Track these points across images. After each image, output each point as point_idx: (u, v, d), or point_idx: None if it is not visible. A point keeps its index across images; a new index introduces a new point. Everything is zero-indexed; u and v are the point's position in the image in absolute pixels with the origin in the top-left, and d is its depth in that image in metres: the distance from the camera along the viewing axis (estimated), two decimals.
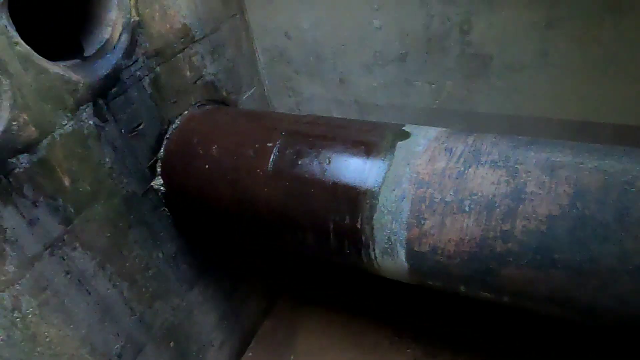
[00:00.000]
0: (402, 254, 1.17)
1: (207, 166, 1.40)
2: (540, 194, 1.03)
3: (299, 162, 1.28)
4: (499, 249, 1.05)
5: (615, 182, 0.99)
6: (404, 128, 1.28)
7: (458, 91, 1.59)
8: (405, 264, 1.18)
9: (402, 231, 1.15)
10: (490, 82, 1.55)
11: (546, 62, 1.44)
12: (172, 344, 1.65)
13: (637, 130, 1.43)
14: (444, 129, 1.25)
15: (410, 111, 1.69)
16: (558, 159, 1.07)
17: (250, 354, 2.08)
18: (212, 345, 1.86)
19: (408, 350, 1.93)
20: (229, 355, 1.97)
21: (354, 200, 1.20)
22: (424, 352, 1.90)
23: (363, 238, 1.20)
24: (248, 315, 2.07)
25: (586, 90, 1.44)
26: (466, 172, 1.11)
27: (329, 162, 1.26)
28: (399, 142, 1.23)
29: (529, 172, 1.06)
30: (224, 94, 1.73)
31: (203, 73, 1.66)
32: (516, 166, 1.07)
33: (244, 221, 1.39)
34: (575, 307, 1.04)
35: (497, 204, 1.05)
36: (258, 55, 1.93)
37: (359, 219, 1.19)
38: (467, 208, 1.07)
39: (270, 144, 1.34)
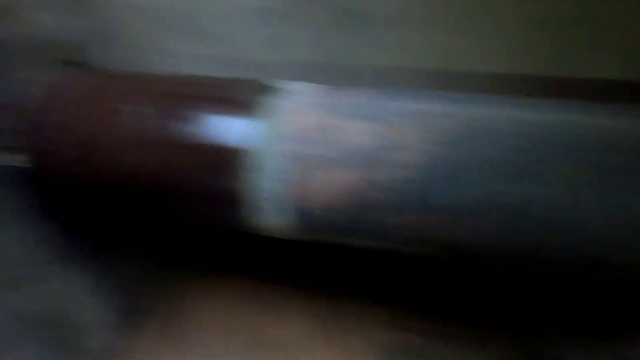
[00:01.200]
0: (287, 213, 1.16)
1: (60, 137, 1.24)
2: (412, 142, 1.06)
3: (169, 126, 1.19)
4: (379, 199, 1.08)
5: (478, 127, 1.06)
6: (279, 84, 1.24)
7: (333, 45, 1.58)
8: (292, 223, 1.17)
9: (285, 190, 1.13)
10: (366, 36, 1.56)
11: (414, 15, 1.48)
12: (50, 332, 1.50)
13: (505, 77, 1.55)
14: (319, 84, 1.24)
15: (286, 67, 1.65)
16: (427, 108, 1.11)
17: (143, 328, 1.97)
18: (98, 327, 1.73)
19: (310, 303, 1.96)
20: (117, 334, 1.85)
21: (231, 162, 1.15)
22: (328, 304, 1.95)
23: (244, 200, 1.17)
24: (136, 291, 1.95)
25: (451, 41, 1.52)
26: (343, 125, 1.11)
27: (202, 123, 1.18)
28: (275, 99, 1.19)
29: (402, 122, 1.09)
30: (82, 53, 1.53)
31: (55, 32, 1.45)
32: (389, 117, 1.10)
33: (116, 193, 1.27)
34: (452, 247, 1.12)
35: (374, 156, 1.07)
36: (118, 10, 1.73)
37: (239, 181, 1.15)
38: (347, 161, 1.08)
39: (134, 108, 1.22)
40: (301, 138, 1.12)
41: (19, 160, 1.32)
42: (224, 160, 1.16)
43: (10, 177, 1.33)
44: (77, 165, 1.25)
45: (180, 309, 2.03)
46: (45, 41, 1.45)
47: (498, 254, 1.09)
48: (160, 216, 1.38)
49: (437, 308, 1.91)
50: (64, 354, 1.62)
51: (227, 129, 1.18)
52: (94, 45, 1.62)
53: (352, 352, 1.81)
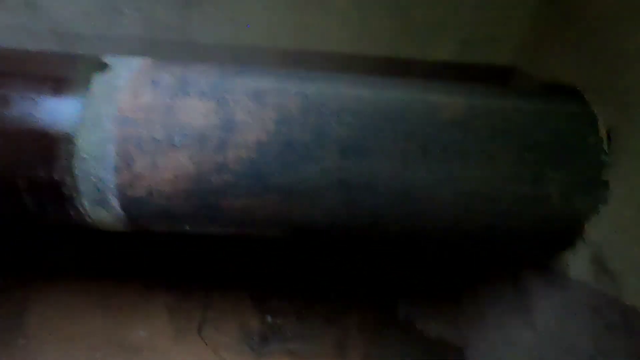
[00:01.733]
0: (115, 203, 1.04)
1: None
2: (248, 121, 1.02)
3: None
4: (215, 182, 1.02)
5: (313, 105, 1.05)
6: (102, 59, 1.10)
7: (172, 20, 1.47)
8: (122, 213, 1.06)
9: (110, 177, 1.01)
10: (206, 11, 1.47)
11: None
12: None
13: (344, 56, 1.57)
14: (149, 59, 1.13)
15: (119, 42, 1.49)
16: (264, 86, 1.07)
17: None
18: None
19: (159, 299, 1.85)
20: None
21: (46, 148, 1.00)
22: (176, 297, 1.86)
23: (65, 191, 1.03)
24: None
25: (299, 20, 1.49)
26: (174, 105, 1.02)
27: (9, 104, 1.01)
28: (96, 76, 1.05)
29: (237, 100, 1.04)
30: None
31: None
32: (225, 95, 1.04)
33: None
34: (291, 226, 1.11)
35: (208, 136, 1.01)
36: None
37: (57, 170, 1.00)
38: (178, 143, 1.00)
39: None
40: (125, 119, 1.01)
41: None
42: (42, 147, 1.00)
43: None
44: None
45: (20, 320, 1.78)
46: None
47: (338, 229, 1.11)
48: None
49: (290, 288, 1.93)
50: None
51: (44, 110, 1.02)
52: None
53: (211, 344, 1.75)
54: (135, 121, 1.01)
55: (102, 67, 1.08)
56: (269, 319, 1.83)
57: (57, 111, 1.01)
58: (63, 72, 1.06)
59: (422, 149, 1.04)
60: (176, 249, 1.89)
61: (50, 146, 1.00)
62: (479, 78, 1.60)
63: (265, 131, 1.02)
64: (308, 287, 1.93)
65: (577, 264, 1.14)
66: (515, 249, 1.35)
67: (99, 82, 1.04)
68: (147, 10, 1.45)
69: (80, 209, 1.06)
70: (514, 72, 1.58)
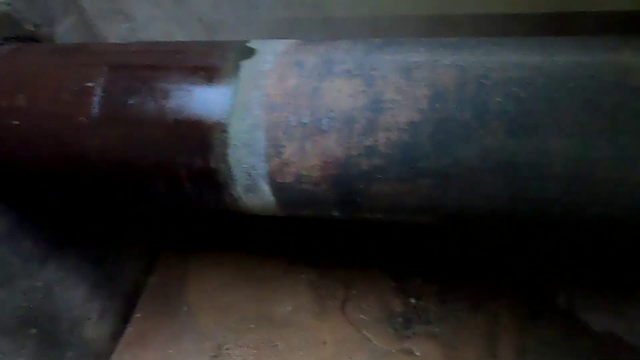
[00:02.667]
0: (266, 189, 1.05)
1: (16, 122, 1.12)
2: (398, 100, 0.94)
3: (130, 101, 1.06)
4: (364, 167, 0.96)
5: (471, 77, 0.93)
6: (248, 44, 1.10)
7: None
8: (272, 199, 1.07)
9: (261, 164, 1.01)
10: None
11: None
12: (33, 330, 1.43)
13: (499, 18, 1.39)
14: (293, 40, 1.10)
15: (261, 25, 1.50)
16: (413, 59, 0.98)
17: (139, 314, 1.91)
18: (89, 319, 1.67)
19: (302, 276, 1.90)
20: (112, 322, 1.79)
21: (201, 137, 1.03)
22: (318, 274, 1.89)
23: (220, 178, 1.06)
24: (127, 277, 1.88)
25: None
26: (320, 86, 0.98)
27: (166, 96, 1.05)
28: (243, 62, 1.05)
29: (385, 77, 0.96)
30: (30, 27, 1.38)
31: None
32: (371, 73, 0.97)
33: (79, 181, 1.16)
34: (445, 212, 1.01)
35: (356, 118, 0.95)
36: None
37: (212, 158, 1.03)
38: (325, 127, 0.96)
39: (92, 84, 1.09)
40: (272, 104, 0.99)
41: None
42: (198, 136, 1.04)
43: None
44: (24, 151, 1.13)
45: (180, 290, 1.97)
46: None
47: (498, 218, 0.99)
48: (135, 202, 1.28)
49: (433, 270, 1.83)
50: (59, 348, 1.57)
51: (198, 100, 1.05)
52: (50, 18, 1.48)
53: (354, 322, 1.74)
54: (283, 106, 0.99)
55: (249, 52, 1.07)
56: (412, 300, 1.77)
57: (210, 100, 1.03)
58: (213, 61, 1.08)
59: (610, 122, 0.86)
60: (319, 227, 1.91)
61: (205, 135, 1.03)
62: None
63: (418, 110, 0.93)
64: (453, 269, 1.83)
65: None
66: None
67: (246, 68, 1.04)
68: None
69: (234, 195, 1.08)
70: None
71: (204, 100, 1.04)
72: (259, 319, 1.81)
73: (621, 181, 0.88)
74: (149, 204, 1.26)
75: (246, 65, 1.05)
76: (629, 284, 1.64)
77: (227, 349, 1.75)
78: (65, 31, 1.50)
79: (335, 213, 1.08)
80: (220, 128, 1.02)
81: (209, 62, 1.08)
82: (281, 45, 1.08)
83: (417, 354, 1.64)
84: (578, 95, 0.88)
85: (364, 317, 1.75)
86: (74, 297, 1.61)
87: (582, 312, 1.66)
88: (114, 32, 1.63)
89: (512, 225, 1.07)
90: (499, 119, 0.90)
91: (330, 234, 1.94)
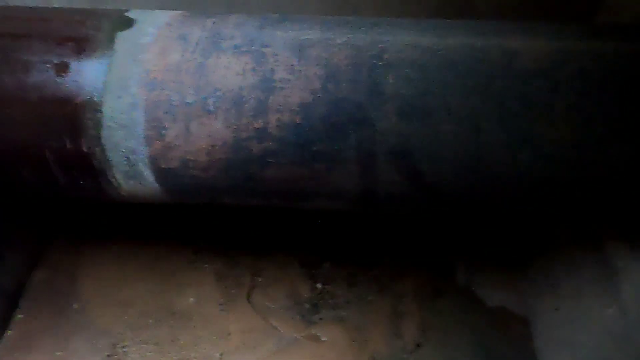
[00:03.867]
0: (149, 175, 0.95)
1: None
2: (290, 79, 0.88)
3: None
4: (255, 151, 0.90)
5: (365, 57, 0.89)
6: (126, 14, 0.99)
7: None
8: (157, 186, 0.98)
9: (141, 147, 0.92)
10: None
11: None
12: None
13: None
14: (178, 12, 1.00)
15: None
16: (307, 37, 0.92)
17: (21, 315, 1.72)
18: None
19: (206, 265, 1.81)
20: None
21: (70, 117, 0.91)
22: (224, 263, 1.81)
23: (95, 164, 0.94)
24: (7, 273, 1.68)
25: None
26: (206, 63, 0.90)
27: (27, 70, 0.92)
28: (120, 33, 0.94)
29: (277, 55, 0.90)
30: None
31: None
32: (262, 50, 0.90)
33: None
34: (342, 199, 0.98)
35: (245, 98, 0.88)
36: None
37: (84, 141, 0.92)
38: (212, 107, 0.88)
39: None
40: (153, 81, 0.89)
41: None
42: (67, 116, 0.92)
43: None
44: None
45: (71, 285, 1.80)
46: None
47: (395, 202, 0.97)
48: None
49: (341, 253, 1.83)
50: None
51: (66, 75, 0.92)
52: None
53: (260, 311, 1.69)
54: (165, 83, 0.90)
55: (127, 23, 0.96)
56: (320, 285, 1.75)
57: (79, 75, 0.91)
58: (85, 31, 0.96)
59: (498, 106, 0.87)
60: (223, 214, 1.83)
61: (75, 114, 0.91)
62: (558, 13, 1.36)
63: (310, 90, 0.88)
64: (359, 252, 1.83)
65: None
66: (603, 218, 1.17)
67: (123, 40, 0.93)
68: None
69: (113, 182, 0.97)
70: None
71: (73, 75, 0.91)
72: (160, 313, 1.70)
73: (510, 163, 0.90)
74: (14, 193, 1.10)
75: (123, 36, 0.94)
76: (518, 259, 1.74)
77: (123, 347, 1.62)
78: None
79: (228, 200, 1.02)
80: (92, 107, 0.90)
81: (80, 31, 0.95)
82: (164, 16, 0.98)
83: (324, 339, 1.63)
84: (469, 79, 0.88)
85: (271, 305, 1.71)
86: None
87: (478, 288, 1.73)
88: None
89: (411, 210, 1.07)
90: (392, 101, 0.87)
91: (236, 220, 1.87)
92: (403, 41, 0.93)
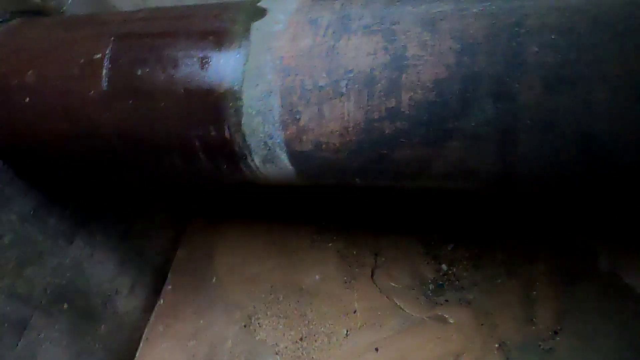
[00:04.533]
0: (284, 158, 1.00)
1: (26, 99, 1.09)
2: (423, 56, 0.86)
3: (138, 72, 1.02)
4: (387, 131, 0.89)
5: (503, 26, 0.83)
6: (258, 4, 1.03)
7: None
8: (291, 168, 1.02)
9: (277, 132, 0.96)
10: None
11: None
12: (65, 306, 1.45)
13: None
14: None
15: None
16: (439, 10, 0.88)
17: (170, 287, 1.94)
18: (120, 292, 1.69)
19: (329, 245, 1.86)
20: (144, 295, 1.82)
21: (214, 106, 0.98)
22: (346, 243, 1.85)
23: (236, 149, 1.01)
24: (155, 250, 1.89)
25: None
26: (337, 45, 0.91)
27: (175, 65, 1.00)
28: (254, 23, 0.98)
29: (408, 31, 0.87)
30: (37, 0, 1.34)
31: None
32: (392, 27, 0.88)
33: (93, 156, 1.13)
34: (481, 177, 0.94)
35: (377, 78, 0.87)
36: None
37: (226, 128, 0.98)
38: (344, 90, 0.89)
39: (99, 55, 1.05)
40: (286, 67, 0.92)
41: None
42: (211, 105, 0.99)
43: None
44: (37, 129, 1.11)
45: (209, 262, 1.98)
46: None
47: (537, 181, 0.91)
48: (152, 176, 1.25)
49: (465, 233, 1.76)
50: (93, 322, 1.60)
51: (208, 67, 0.99)
52: None
53: (384, 290, 1.71)
54: (298, 68, 0.92)
55: (260, 12, 1.00)
56: (444, 266, 1.71)
57: (220, 66, 0.97)
58: (222, 24, 1.02)
59: None
60: (345, 194, 1.86)
61: (218, 104, 0.97)
62: None
63: (444, 65, 0.84)
64: (485, 233, 1.75)
65: None
66: None
67: (257, 30, 0.97)
68: None
69: (252, 166, 1.04)
70: None
71: (215, 67, 0.98)
72: (288, 289, 1.80)
73: None
74: (165, 177, 1.22)
75: (257, 26, 0.98)
76: None
77: (257, 319, 1.75)
78: (73, 3, 1.46)
79: (358, 181, 1.02)
80: (232, 96, 0.96)
81: (218, 25, 1.02)
82: (293, 2, 1.00)
83: (451, 321, 1.60)
84: (628, 40, 0.78)
85: (394, 285, 1.71)
86: (104, 272, 1.62)
87: (625, 274, 1.57)
88: (124, 1, 1.58)
89: (556, 190, 0.99)
90: (535, 71, 0.80)
91: (358, 201, 1.89)
92: (545, 4, 0.84)
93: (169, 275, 1.97)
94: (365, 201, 1.89)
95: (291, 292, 1.78)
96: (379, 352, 1.57)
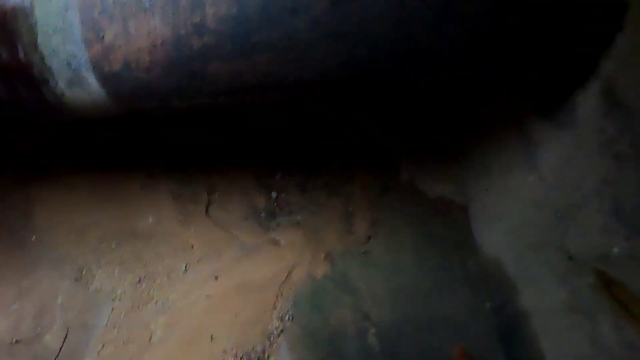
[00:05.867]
0: (92, 80, 0.97)
1: None
2: None
3: None
4: (196, 47, 0.93)
5: None
6: None
7: None
8: (102, 91, 0.99)
9: (80, 51, 0.92)
10: None
11: None
12: None
13: None
14: None
15: None
16: None
17: None
18: None
19: (161, 186, 1.84)
20: None
21: (3, 25, 0.89)
22: (178, 183, 1.85)
23: (35, 72, 0.94)
24: None
25: None
26: None
27: None
28: None
29: None
30: None
31: None
32: None
33: None
34: (284, 88, 1.04)
35: None
36: None
37: (19, 49, 0.91)
38: (147, 5, 0.89)
39: None
40: None
41: None
42: None
43: None
44: None
45: (27, 218, 1.80)
46: None
47: (333, 87, 1.04)
48: None
49: (292, 162, 1.91)
50: None
51: None
52: None
53: (220, 223, 1.77)
54: None
55: None
56: (274, 194, 1.84)
57: None
58: None
59: None
60: (173, 134, 1.85)
61: (6, 23, 0.89)
62: None
63: None
64: (309, 160, 1.92)
65: (586, 101, 1.09)
66: (523, 93, 1.29)
67: None
68: None
69: (57, 91, 0.98)
70: None
71: None
72: (121, 235, 1.75)
73: (435, 37, 0.97)
74: None
75: None
76: (456, 152, 1.88)
77: (89, 270, 1.68)
78: None
79: (175, 102, 1.05)
80: (22, 13, 0.89)
81: None
82: None
83: (283, 242, 1.74)
84: None
85: (229, 217, 1.79)
86: None
87: (420, 182, 1.88)
88: None
89: (348, 95, 1.14)
90: None
91: (188, 141, 1.89)
92: None
93: None
94: (195, 140, 1.90)
95: (125, 238, 1.74)
96: (218, 279, 1.65)
